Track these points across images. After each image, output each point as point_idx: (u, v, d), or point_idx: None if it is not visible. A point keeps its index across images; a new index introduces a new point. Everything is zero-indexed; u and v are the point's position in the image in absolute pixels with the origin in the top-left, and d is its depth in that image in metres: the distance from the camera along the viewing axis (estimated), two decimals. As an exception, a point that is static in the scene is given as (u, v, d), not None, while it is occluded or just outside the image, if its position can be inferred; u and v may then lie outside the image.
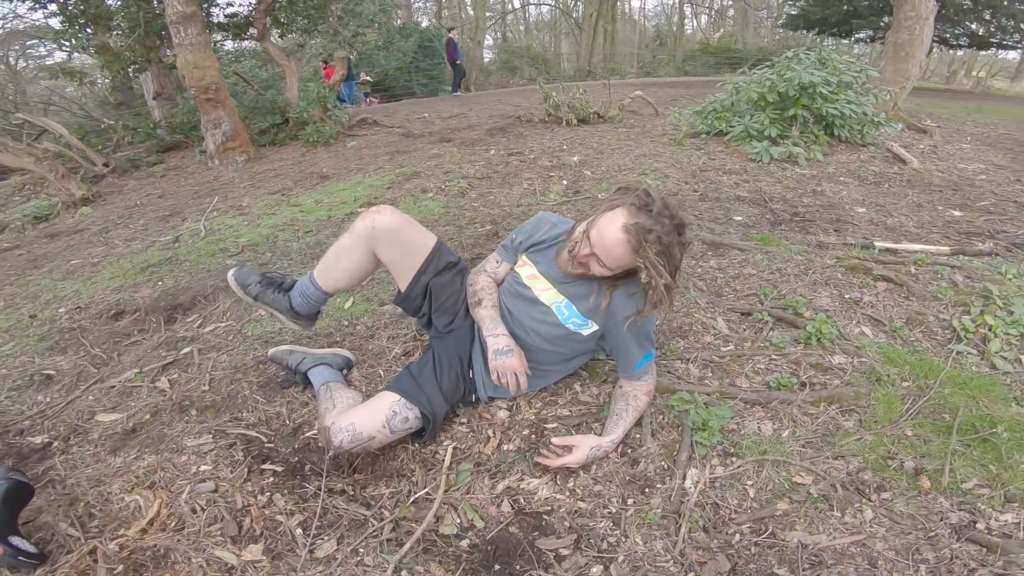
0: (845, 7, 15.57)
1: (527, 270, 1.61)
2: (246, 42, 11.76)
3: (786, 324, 2.02)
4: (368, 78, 14.28)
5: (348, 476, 1.50)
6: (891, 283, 2.30)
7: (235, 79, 9.14)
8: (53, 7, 7.76)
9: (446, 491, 1.42)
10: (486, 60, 23.95)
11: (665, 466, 1.45)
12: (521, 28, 33.05)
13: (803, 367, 1.77)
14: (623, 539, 1.27)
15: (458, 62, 13.44)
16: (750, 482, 1.37)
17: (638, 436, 1.54)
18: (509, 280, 1.67)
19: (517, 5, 31.99)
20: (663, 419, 1.59)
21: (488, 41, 25.72)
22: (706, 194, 3.62)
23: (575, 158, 4.70)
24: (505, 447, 1.56)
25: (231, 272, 1.71)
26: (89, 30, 7.78)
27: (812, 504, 1.29)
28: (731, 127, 5.12)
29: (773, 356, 1.83)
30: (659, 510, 1.32)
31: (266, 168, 5.94)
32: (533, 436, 1.58)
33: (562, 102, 6.87)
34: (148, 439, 1.69)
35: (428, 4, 26.97)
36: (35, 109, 13.62)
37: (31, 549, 1.27)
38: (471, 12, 23.95)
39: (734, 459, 1.44)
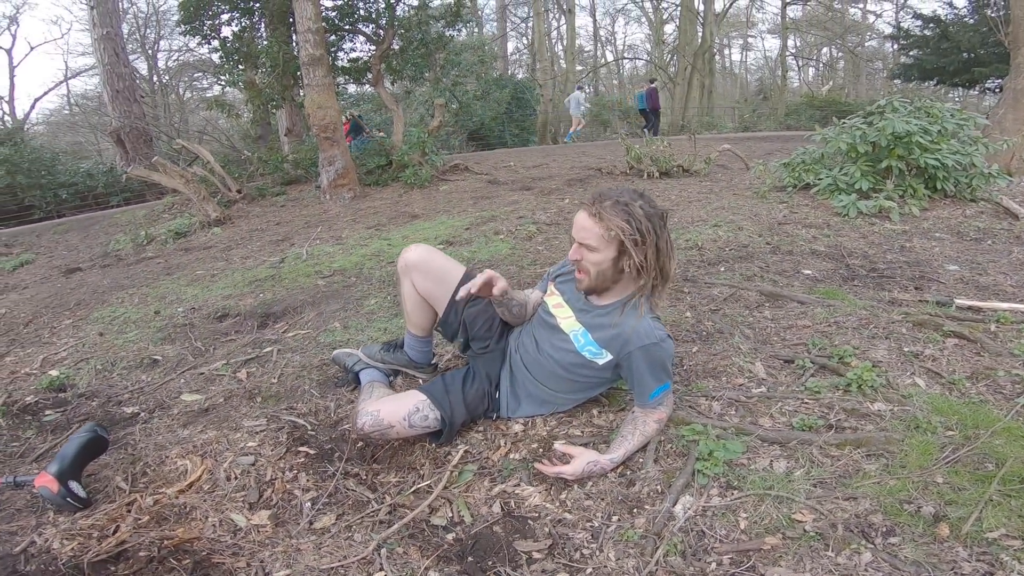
0: (965, 55, 14.47)
1: (554, 299, 1.74)
2: (363, 87, 13.11)
3: (828, 371, 1.99)
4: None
5: (367, 464, 1.68)
6: (962, 339, 2.17)
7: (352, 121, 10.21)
8: (215, 43, 9.14)
9: (446, 487, 1.56)
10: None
11: (659, 490, 1.47)
12: (614, 82, 33.84)
13: (835, 411, 1.74)
14: (597, 552, 1.32)
15: (659, 109, 14.37)
16: (744, 515, 1.36)
17: (640, 460, 1.59)
18: (540, 309, 1.80)
19: (610, 59, 32.99)
20: (671, 447, 1.62)
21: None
22: (778, 247, 3.57)
23: (650, 208, 4.78)
24: (512, 456, 1.67)
25: (362, 350, 2.13)
26: (241, 67, 9.07)
27: (805, 541, 1.27)
28: (818, 180, 4.98)
29: (805, 400, 1.81)
30: (640, 530, 1.35)
31: (367, 205, 6.58)
32: (540, 449, 1.68)
33: (644, 154, 6.99)
34: (215, 418, 1.99)
35: (523, 57, 28.54)
36: (192, 136, 15.85)
37: (81, 494, 1.51)
38: (563, 65, 24.94)
39: (734, 491, 1.43)
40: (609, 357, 1.61)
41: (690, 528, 1.34)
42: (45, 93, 31.39)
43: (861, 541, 1.26)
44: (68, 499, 1.48)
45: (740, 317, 2.49)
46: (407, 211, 5.97)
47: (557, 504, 1.49)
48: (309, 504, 1.52)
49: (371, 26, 9.26)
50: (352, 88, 14.19)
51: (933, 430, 1.61)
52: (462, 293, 1.67)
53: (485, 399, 1.75)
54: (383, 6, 8.86)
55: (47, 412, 2.18)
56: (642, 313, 1.56)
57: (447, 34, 9.85)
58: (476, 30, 18.57)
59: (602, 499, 1.48)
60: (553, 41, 25.96)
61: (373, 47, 9.29)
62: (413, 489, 1.57)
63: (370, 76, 9.20)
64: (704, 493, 1.43)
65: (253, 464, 1.67)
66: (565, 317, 1.68)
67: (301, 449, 1.74)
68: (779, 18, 26.89)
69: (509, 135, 17.58)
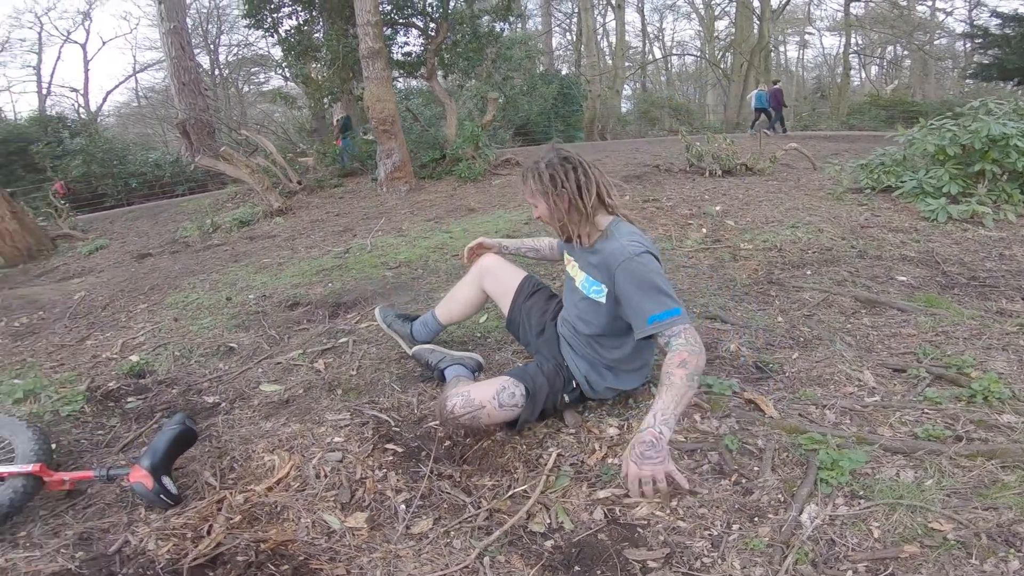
0: None
1: (569, 264, 1.86)
2: (415, 81, 13.23)
3: (946, 381, 1.87)
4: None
5: (458, 465, 1.63)
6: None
7: (407, 114, 10.29)
8: (276, 37, 9.39)
9: (543, 491, 1.49)
10: (624, 110, 24.24)
11: (781, 499, 1.40)
12: (662, 79, 33.11)
13: (961, 422, 1.63)
14: (719, 561, 1.24)
15: (785, 107, 14.99)
16: (876, 523, 1.29)
17: (756, 468, 1.50)
18: (566, 277, 1.90)
19: (658, 56, 32.25)
20: (787, 456, 1.54)
21: (626, 91, 26.10)
22: (865, 251, 3.35)
23: (717, 207, 4.60)
24: (611, 460, 1.59)
25: (377, 309, 2.38)
26: (301, 60, 9.28)
27: (946, 550, 1.19)
28: (901, 182, 4.68)
29: (926, 410, 1.71)
30: (766, 539, 1.28)
31: (423, 198, 6.61)
32: None
33: (706, 152, 6.76)
34: (297, 410, 1.98)
35: (568, 52, 28.22)
36: (251, 130, 16.43)
37: (173, 490, 1.49)
38: (610, 62, 24.54)
39: (861, 500, 1.36)
40: (605, 289, 1.64)
41: (819, 537, 1.27)
42: (116, 86, 33.21)
43: (1008, 550, 1.17)
44: (161, 496, 1.46)
45: (837, 324, 2.34)
46: (463, 204, 5.95)
47: (668, 512, 1.40)
48: (403, 506, 1.48)
49: (424, 19, 9.30)
50: (400, 83, 14.42)
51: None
52: (465, 260, 2.12)
53: (560, 371, 1.78)
54: (438, 0, 8.88)
55: (129, 399, 2.21)
56: (612, 234, 1.64)
57: (497, 28, 9.81)
58: (520, 25, 18.46)
59: (718, 507, 1.40)
60: (599, 37, 25.56)
61: (425, 41, 9.33)
62: (509, 494, 1.51)
63: (424, 70, 9.24)
64: (829, 502, 1.36)
65: (341, 461, 1.64)
66: (575, 272, 1.79)
67: (388, 446, 1.70)
68: (839, 15, 25.77)
69: (555, 131, 17.46)
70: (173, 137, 18.43)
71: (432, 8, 9.07)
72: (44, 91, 25.74)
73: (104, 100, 27.61)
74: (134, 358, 2.61)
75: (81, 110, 25.12)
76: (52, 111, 20.27)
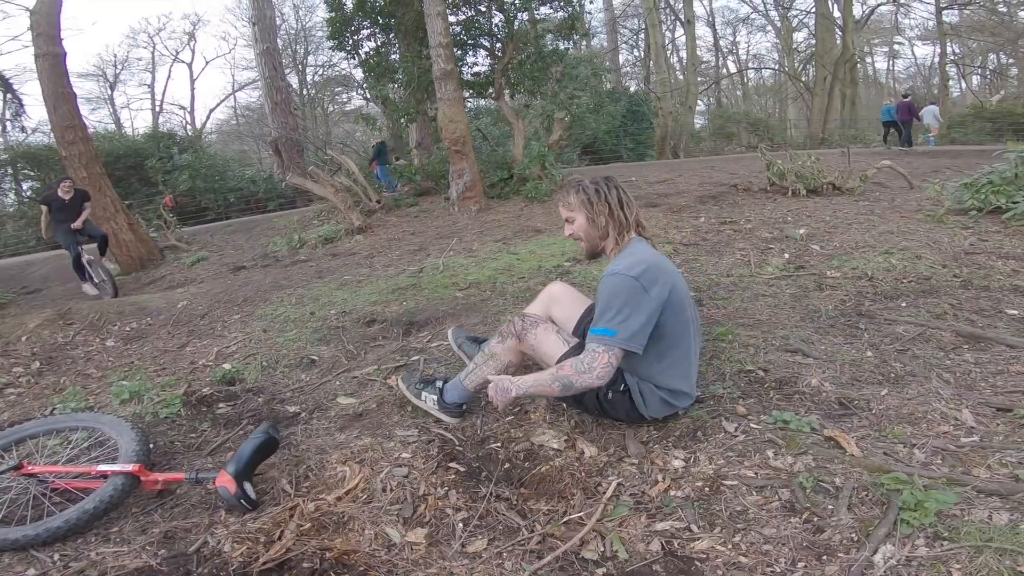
0: None
1: None
2: (482, 101, 13.57)
3: None
4: (404, 162, 13.03)
5: (515, 488, 1.64)
6: None
7: (476, 134, 10.54)
8: (357, 60, 9.89)
9: (599, 519, 1.46)
10: (697, 126, 23.57)
11: (855, 538, 1.31)
12: (738, 93, 31.97)
13: None
14: None
15: (912, 121, 14.75)
16: (957, 566, 1.20)
17: (831, 507, 1.41)
18: None
19: (733, 70, 31.17)
20: (867, 495, 1.43)
21: (700, 107, 25.38)
22: (970, 281, 3.06)
23: (801, 231, 4.37)
24: (673, 493, 1.54)
25: (451, 330, 2.45)
26: (380, 81, 9.75)
27: None
28: (1013, 203, 4.25)
29: None
30: None
31: (492, 218, 6.74)
32: (707, 489, 1.54)
33: (788, 170, 6.43)
34: (369, 424, 2.06)
35: (636, 69, 27.86)
36: (336, 149, 17.42)
37: (252, 496, 1.58)
38: (680, 77, 23.99)
39: (945, 542, 1.27)
40: None
41: None
42: (217, 104, 36.16)
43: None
44: (241, 500, 1.56)
45: (935, 360, 2.15)
46: (530, 225, 6.01)
47: (731, 547, 1.35)
48: (461, 525, 1.51)
49: (492, 40, 9.52)
50: (469, 103, 14.81)
51: None
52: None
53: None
54: (503, 20, 9.07)
55: (220, 405, 2.39)
56: (623, 252, 1.78)
57: (562, 47, 9.88)
58: (585, 44, 18.45)
59: (784, 544, 1.33)
60: (668, 52, 25.12)
61: (493, 61, 9.55)
62: (564, 520, 1.51)
63: (492, 90, 9.45)
64: (908, 543, 1.28)
65: (407, 476, 1.70)
66: None
67: (451, 465, 1.75)
68: (930, 23, 23.92)
69: (624, 149, 17.22)
70: (267, 154, 19.88)
71: (498, 28, 9.27)
72: (157, 108, 28.62)
73: (208, 118, 30.20)
74: (227, 366, 2.83)
75: (188, 127, 27.62)
76: (163, 128, 22.28)
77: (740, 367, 2.17)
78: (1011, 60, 25.70)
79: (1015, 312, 2.66)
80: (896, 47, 30.71)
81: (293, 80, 25.66)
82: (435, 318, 3.13)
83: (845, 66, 19.86)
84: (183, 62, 29.67)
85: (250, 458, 1.65)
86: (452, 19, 9.10)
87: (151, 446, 1.99)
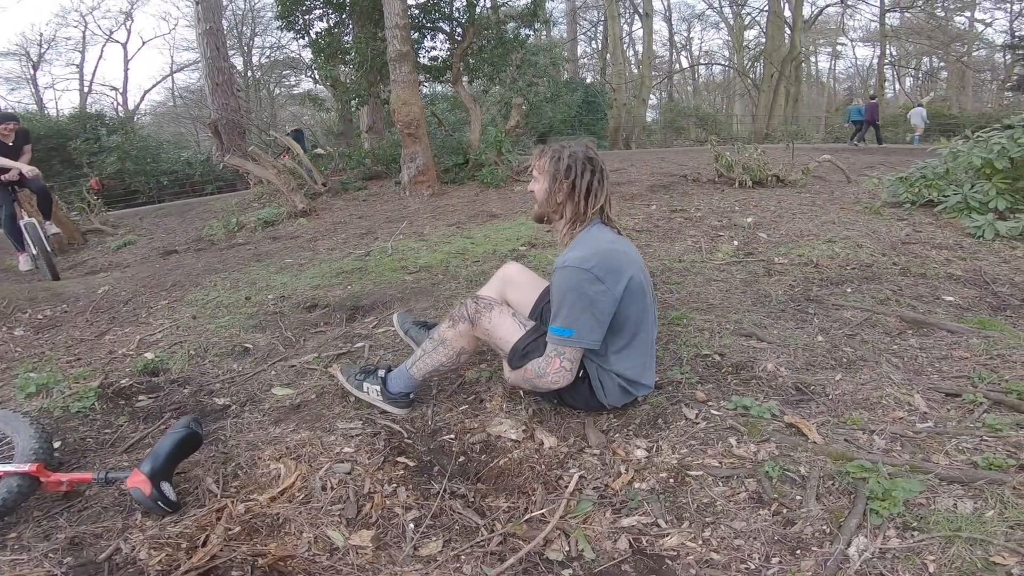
0: None
1: None
2: (439, 86, 13.26)
3: (1006, 408, 1.74)
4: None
5: (472, 483, 1.53)
6: None
7: (431, 119, 10.29)
8: (307, 40, 9.44)
9: (563, 516, 1.39)
10: (649, 119, 24.00)
11: (827, 530, 1.28)
12: (689, 88, 32.78)
13: None
14: None
15: (878, 122, 15.43)
16: (932, 557, 1.18)
17: (799, 498, 1.38)
18: None
19: (685, 65, 31.93)
20: (833, 484, 1.41)
21: (652, 100, 25.83)
22: (908, 269, 3.18)
23: (749, 219, 4.44)
24: (637, 485, 1.48)
25: (396, 315, 2.29)
26: (330, 63, 9.33)
27: None
28: (944, 197, 4.47)
29: (985, 437, 1.57)
30: (809, 573, 1.17)
31: (445, 203, 6.56)
32: (672, 480, 1.48)
33: (736, 162, 6.58)
34: (308, 416, 1.90)
35: (593, 61, 28.09)
36: (280, 131, 16.73)
37: (172, 497, 1.42)
38: (635, 71, 24.34)
39: (915, 532, 1.25)
40: None
41: (868, 571, 1.17)
42: (153, 86, 34.14)
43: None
44: (158, 502, 1.40)
45: (883, 345, 2.19)
46: (485, 210, 5.88)
47: (701, 543, 1.29)
48: (412, 525, 1.39)
49: (451, 24, 9.29)
50: (425, 88, 14.47)
51: None
52: None
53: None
54: (464, 4, 8.87)
55: (140, 397, 2.17)
56: (577, 239, 1.66)
57: (523, 34, 9.76)
58: (545, 33, 18.42)
59: (755, 538, 1.28)
60: (625, 46, 25.39)
61: (452, 45, 9.32)
62: (526, 517, 1.41)
63: (450, 74, 9.23)
64: (880, 534, 1.26)
65: (350, 473, 1.56)
66: None
67: (400, 460, 1.62)
68: (872, 25, 25.20)
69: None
70: (205, 137, 18.86)
71: (459, 12, 9.05)
72: (86, 89, 26.64)
73: (142, 99, 28.44)
74: (149, 355, 2.58)
75: (119, 108, 25.86)
76: (92, 109, 20.89)
77: (697, 351, 2.13)
78: (942, 64, 27.43)
79: (951, 299, 2.77)
80: (839, 47, 32.20)
81: (238, 62, 24.48)
82: (382, 302, 2.96)
83: (792, 64, 20.63)
84: (117, 42, 27.80)
85: (168, 455, 1.47)
86: (411, 1, 8.82)
87: (57, 444, 1.78)
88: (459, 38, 9.08)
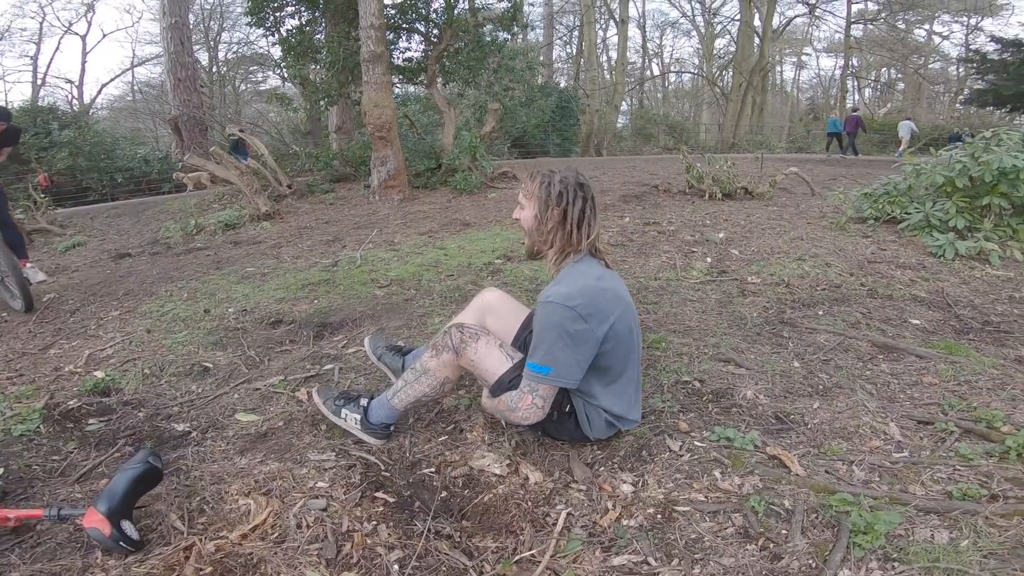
0: None
1: None
2: (412, 88, 13.07)
3: (976, 436, 1.78)
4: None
5: (456, 521, 1.48)
6: None
7: (403, 120, 10.10)
8: (277, 37, 9.15)
9: (552, 556, 1.34)
10: (619, 126, 24.30)
11: (813, 565, 1.28)
12: (659, 96, 33.34)
13: (996, 480, 1.54)
14: None
15: (854, 135, 15.54)
16: None
17: (784, 532, 1.37)
18: None
19: (656, 72, 32.49)
20: (816, 518, 1.42)
21: (623, 107, 26.16)
22: (875, 290, 3.24)
23: (721, 234, 4.49)
24: (625, 522, 1.45)
25: (367, 338, 2.17)
26: (300, 61, 9.05)
27: None
28: (907, 214, 4.60)
29: (958, 466, 1.61)
30: None
31: (417, 209, 6.43)
32: (659, 516, 1.45)
33: (706, 174, 6.67)
34: (276, 446, 1.80)
35: (567, 66, 28.30)
36: (245, 129, 16.24)
37: (134, 536, 1.34)
38: (608, 77, 24.60)
39: (896, 564, 1.27)
40: None
41: None
42: (112, 79, 32.88)
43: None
44: (120, 542, 1.31)
45: (856, 370, 2.22)
46: (458, 218, 5.79)
47: None
48: (397, 567, 1.31)
49: (428, 25, 9.16)
50: (398, 89, 14.23)
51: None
52: None
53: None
54: (442, 6, 8.75)
55: (90, 420, 2.03)
56: (564, 272, 1.60)
57: (501, 38, 9.70)
58: (522, 37, 18.43)
59: (744, 574, 1.27)
60: (599, 51, 25.66)
61: (428, 47, 9.19)
62: (516, 558, 1.35)
63: (424, 76, 9.08)
64: (863, 567, 1.27)
65: (325, 510, 1.47)
66: None
67: (379, 495, 1.54)
68: (836, 36, 26.04)
69: (552, 144, 17.35)
70: (164, 133, 18.13)
71: (437, 14, 8.93)
72: (39, 82, 25.34)
73: (98, 93, 27.27)
74: (99, 373, 2.41)
75: (74, 102, 24.68)
76: (44, 102, 19.88)
77: (677, 377, 2.11)
78: (900, 75, 28.59)
79: (917, 322, 2.83)
80: (804, 57, 33.26)
81: (203, 57, 23.71)
82: (351, 319, 2.85)
83: (759, 74, 21.16)
84: (76, 34, 26.50)
85: (125, 493, 1.37)
86: (388, 0, 8.64)
87: (0, 470, 1.64)
88: (435, 40, 8.95)
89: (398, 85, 11.50)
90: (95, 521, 1.30)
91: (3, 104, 13.85)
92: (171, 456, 1.75)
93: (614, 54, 23.70)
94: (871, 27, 25.45)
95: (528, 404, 1.55)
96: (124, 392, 2.27)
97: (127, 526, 1.33)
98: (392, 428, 1.81)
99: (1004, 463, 1.62)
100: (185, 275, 4.11)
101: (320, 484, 1.58)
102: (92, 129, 13.78)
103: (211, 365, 2.46)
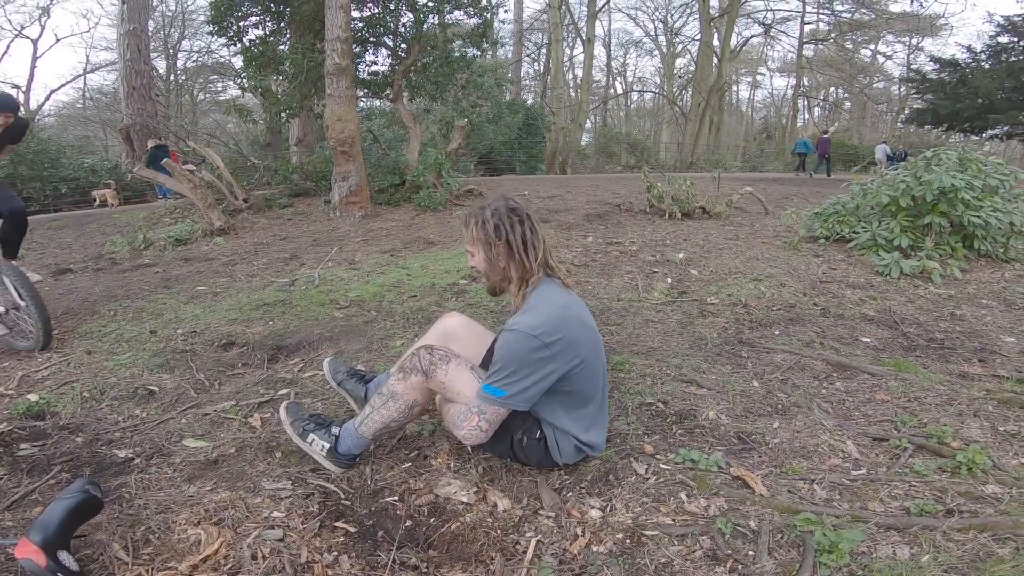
0: (980, 101, 14.56)
1: None
2: (377, 102, 12.93)
3: (928, 452, 1.84)
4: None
5: (423, 551, 1.42)
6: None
7: (367, 135, 9.95)
8: (239, 47, 8.89)
9: None
10: (583, 143, 24.75)
11: None
12: (621, 114, 34.20)
13: (950, 495, 1.60)
14: None
15: (827, 156, 16.16)
16: None
17: (752, 553, 1.38)
18: None
19: (620, 91, 33.37)
20: (782, 538, 1.43)
21: (587, 124, 26.71)
22: (828, 309, 3.36)
23: (680, 255, 4.58)
24: (595, 548, 1.43)
25: (326, 361, 2.08)
26: (262, 72, 8.81)
27: None
28: (855, 233, 4.79)
29: (914, 482, 1.66)
30: None
31: (379, 226, 6.33)
32: (628, 542, 1.44)
33: (666, 193, 6.81)
34: (228, 473, 1.71)
35: (534, 83, 28.76)
36: (201, 139, 15.72)
37: (72, 567, 1.26)
38: (574, 95, 25.08)
39: None
40: None
41: None
42: (62, 85, 31.45)
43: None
44: (57, 574, 1.23)
45: (812, 389, 2.27)
46: (422, 236, 5.72)
47: None
48: (361, 603, 1.24)
49: (396, 39, 9.10)
50: (362, 102, 14.07)
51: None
52: None
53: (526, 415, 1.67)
54: (412, 20, 8.72)
55: (23, 445, 1.89)
56: (530, 302, 1.58)
57: (470, 54, 9.72)
58: (491, 54, 18.65)
59: None
60: (565, 69, 26.17)
61: (394, 61, 9.12)
62: None
63: (390, 91, 8.99)
64: None
65: (282, 540, 1.40)
66: None
67: (339, 525, 1.47)
68: (789, 56, 27.18)
69: (518, 162, 17.45)
70: (115, 142, 17.39)
71: (406, 28, 8.86)
72: (-17, 86, 24.02)
73: (47, 99, 26.00)
74: (33, 396, 2.27)
75: (20, 108, 23.41)
76: (-14, 107, 18.71)
77: (641, 399, 2.12)
78: (846, 95, 30.05)
79: (868, 340, 2.93)
80: (759, 77, 34.67)
81: (161, 64, 22.98)
82: (308, 342, 2.75)
83: (717, 93, 21.91)
84: (28, 38, 25.36)
85: (61, 523, 1.28)
86: (356, 14, 8.52)
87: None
88: (403, 54, 8.88)
89: (363, 99, 11.37)
90: (29, 552, 1.22)
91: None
92: (112, 483, 1.65)
93: (580, 72, 24.17)
94: (822, 47, 26.73)
95: (472, 425, 1.55)
96: (60, 416, 2.13)
97: (64, 557, 1.25)
98: (357, 458, 1.74)
99: (956, 478, 1.68)
100: (131, 293, 3.90)
101: (276, 514, 1.50)
102: (37, 136, 13.10)
103: (157, 389, 2.33)
